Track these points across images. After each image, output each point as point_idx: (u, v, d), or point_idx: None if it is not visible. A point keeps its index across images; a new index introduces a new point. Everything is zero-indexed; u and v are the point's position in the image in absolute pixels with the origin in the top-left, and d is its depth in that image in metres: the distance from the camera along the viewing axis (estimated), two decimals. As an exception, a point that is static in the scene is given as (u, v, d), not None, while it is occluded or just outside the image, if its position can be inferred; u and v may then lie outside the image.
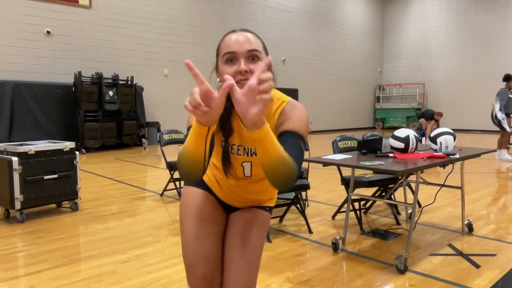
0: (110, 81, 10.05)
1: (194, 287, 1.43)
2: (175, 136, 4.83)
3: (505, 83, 8.23)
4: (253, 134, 1.07)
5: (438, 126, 10.44)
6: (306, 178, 3.84)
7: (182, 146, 1.23)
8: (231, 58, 1.24)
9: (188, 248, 1.44)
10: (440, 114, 10.82)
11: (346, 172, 3.34)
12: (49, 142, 4.32)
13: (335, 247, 3.08)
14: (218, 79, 1.33)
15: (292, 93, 13.64)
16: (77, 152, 4.21)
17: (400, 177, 3.56)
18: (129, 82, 10.52)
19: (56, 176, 4.01)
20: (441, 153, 3.06)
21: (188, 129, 1.31)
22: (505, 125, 8.09)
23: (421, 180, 3.10)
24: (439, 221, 3.85)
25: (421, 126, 10.63)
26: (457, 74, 17.27)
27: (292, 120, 1.30)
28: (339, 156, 3.05)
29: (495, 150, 3.53)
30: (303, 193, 4.07)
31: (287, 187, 1.19)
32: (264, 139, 1.08)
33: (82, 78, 9.53)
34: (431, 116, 10.46)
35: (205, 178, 1.58)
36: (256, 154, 1.38)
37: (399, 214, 3.98)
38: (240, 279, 1.42)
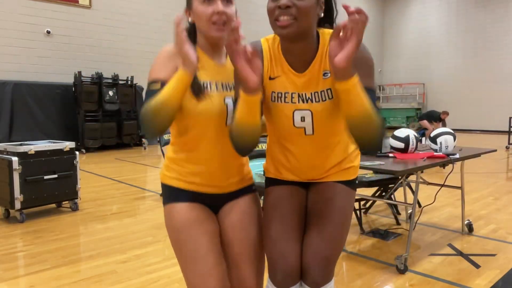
0: (110, 81, 10.05)
1: None
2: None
3: None
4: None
5: (445, 126, 10.29)
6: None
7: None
8: None
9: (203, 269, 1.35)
10: (447, 113, 10.66)
11: (346, 172, 3.33)
12: (49, 142, 4.32)
13: (335, 247, 3.07)
14: (189, 18, 1.34)
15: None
16: (77, 152, 4.21)
17: (400, 177, 3.56)
18: (129, 82, 10.52)
19: (56, 176, 4.01)
20: (441, 153, 3.06)
21: (152, 82, 1.25)
22: None
23: (421, 180, 3.10)
24: (439, 221, 3.85)
25: (421, 126, 10.53)
26: (457, 74, 17.27)
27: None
28: (339, 156, 3.04)
29: (495, 150, 3.53)
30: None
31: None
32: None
33: (82, 78, 9.53)
34: (438, 117, 10.31)
35: (184, 183, 1.42)
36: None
37: (399, 214, 3.98)
38: (245, 282, 1.44)
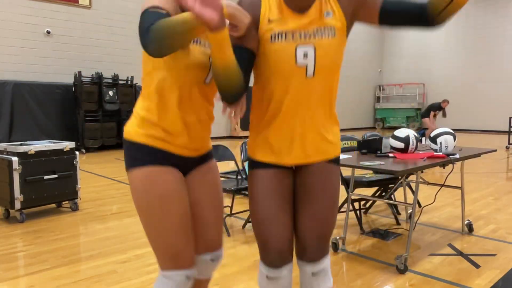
0: (110, 81, 10.05)
1: (181, 267, 1.39)
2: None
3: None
4: None
5: (444, 114, 10.52)
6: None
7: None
8: None
9: (174, 236, 1.36)
10: (447, 101, 10.74)
11: (346, 172, 3.34)
12: (49, 142, 4.32)
13: (335, 247, 3.08)
14: None
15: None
16: (77, 152, 4.21)
17: (400, 177, 3.56)
18: (129, 82, 10.52)
19: (56, 176, 4.01)
20: (441, 153, 3.06)
21: (155, 7, 1.20)
22: None
23: (421, 180, 3.10)
24: (439, 221, 3.85)
25: (421, 126, 10.56)
26: (457, 74, 17.27)
27: None
28: (339, 156, 3.05)
29: (495, 150, 3.52)
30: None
31: None
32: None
33: (82, 78, 9.54)
34: (439, 106, 10.45)
35: (158, 134, 1.34)
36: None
37: (399, 214, 3.98)
38: (216, 238, 1.54)
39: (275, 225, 1.35)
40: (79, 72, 9.52)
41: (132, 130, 1.36)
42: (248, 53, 1.29)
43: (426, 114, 10.50)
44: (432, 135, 3.28)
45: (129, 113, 10.40)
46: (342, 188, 3.57)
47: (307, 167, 1.44)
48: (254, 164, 1.46)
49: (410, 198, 4.18)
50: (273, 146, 1.41)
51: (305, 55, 1.29)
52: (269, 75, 1.34)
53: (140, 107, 1.38)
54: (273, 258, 1.34)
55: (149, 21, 1.16)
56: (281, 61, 1.30)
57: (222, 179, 3.79)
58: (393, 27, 1.27)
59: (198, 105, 1.37)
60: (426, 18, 1.22)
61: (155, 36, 1.11)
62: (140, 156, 1.33)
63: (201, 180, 1.50)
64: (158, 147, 1.34)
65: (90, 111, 9.65)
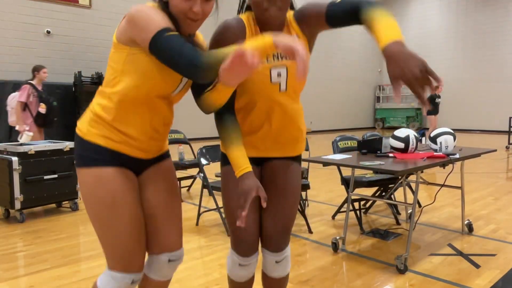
0: (110, 81, 10.05)
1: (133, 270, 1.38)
2: (175, 136, 4.82)
3: None
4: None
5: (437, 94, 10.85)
6: (306, 178, 3.84)
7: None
8: None
9: (127, 239, 1.35)
10: (436, 87, 11.07)
11: (346, 172, 3.34)
12: (49, 142, 4.32)
13: (335, 247, 3.08)
14: None
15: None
16: (77, 152, 4.20)
17: (400, 177, 3.56)
18: (129, 82, 10.52)
19: (56, 176, 4.01)
20: (441, 153, 3.06)
21: (168, 29, 1.16)
22: None
23: (421, 180, 3.10)
24: (439, 221, 3.85)
25: (421, 126, 10.60)
26: (457, 74, 17.27)
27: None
28: (339, 156, 3.05)
29: (495, 150, 3.53)
30: (303, 193, 4.07)
31: None
32: None
33: (82, 78, 9.54)
34: (435, 96, 10.71)
35: (113, 138, 1.33)
36: None
37: (399, 214, 3.98)
38: (173, 238, 1.51)
39: (248, 219, 1.53)
40: (79, 72, 9.52)
41: (85, 127, 1.34)
42: None
43: (432, 112, 10.58)
44: (432, 135, 3.28)
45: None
46: (342, 188, 3.57)
47: (275, 162, 1.61)
48: (227, 160, 1.58)
49: (410, 198, 4.18)
50: (253, 143, 1.57)
51: (279, 75, 1.46)
52: (248, 90, 1.49)
53: (97, 104, 1.34)
54: (245, 249, 1.55)
55: (182, 44, 1.15)
56: (258, 80, 1.45)
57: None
58: (343, 26, 1.40)
59: (160, 113, 1.37)
60: (359, 20, 1.35)
61: (210, 63, 1.12)
62: (91, 155, 1.32)
63: (155, 180, 1.47)
64: (110, 148, 1.33)
65: (90, 111, 9.66)
